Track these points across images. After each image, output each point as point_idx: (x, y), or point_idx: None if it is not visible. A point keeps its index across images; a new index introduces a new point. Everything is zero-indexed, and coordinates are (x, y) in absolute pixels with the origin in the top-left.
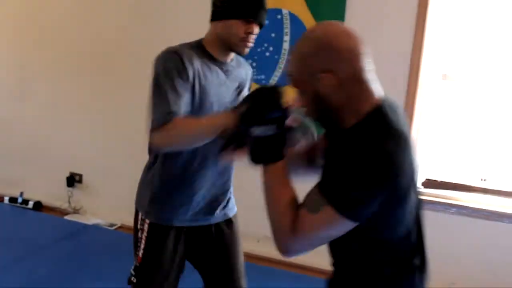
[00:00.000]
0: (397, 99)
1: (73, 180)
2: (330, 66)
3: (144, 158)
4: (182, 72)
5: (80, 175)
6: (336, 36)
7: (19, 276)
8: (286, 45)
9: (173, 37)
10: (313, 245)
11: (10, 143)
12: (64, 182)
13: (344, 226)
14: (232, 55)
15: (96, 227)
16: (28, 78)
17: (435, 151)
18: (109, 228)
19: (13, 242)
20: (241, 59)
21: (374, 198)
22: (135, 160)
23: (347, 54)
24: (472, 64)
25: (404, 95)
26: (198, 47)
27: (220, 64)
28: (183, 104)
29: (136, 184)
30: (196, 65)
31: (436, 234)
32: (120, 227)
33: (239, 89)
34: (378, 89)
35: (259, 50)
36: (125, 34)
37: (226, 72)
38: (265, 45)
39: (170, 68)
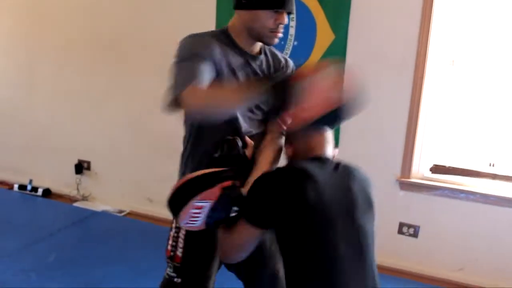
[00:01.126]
0: (404, 85)
1: (81, 167)
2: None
3: (152, 144)
4: (206, 52)
5: (88, 162)
6: None
7: (29, 261)
8: (292, 31)
9: (182, 22)
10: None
11: (19, 131)
12: (72, 169)
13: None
14: (259, 45)
15: (104, 213)
16: (36, 66)
17: (443, 137)
18: (118, 214)
19: (23, 229)
20: (273, 50)
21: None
22: (142, 147)
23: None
24: (480, 49)
25: (412, 80)
26: (223, 36)
27: (247, 55)
28: (209, 77)
29: (143, 171)
30: (219, 52)
31: (445, 219)
32: (128, 213)
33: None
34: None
35: None
36: (134, 22)
37: (253, 64)
38: None
39: (196, 46)
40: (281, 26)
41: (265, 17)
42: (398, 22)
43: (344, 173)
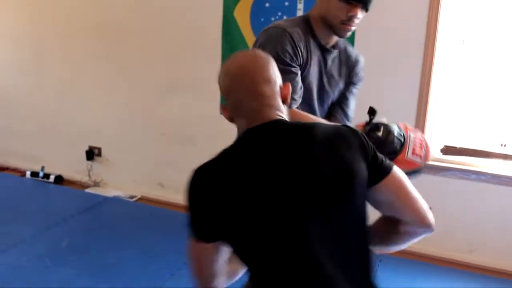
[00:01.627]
0: (414, 65)
1: (92, 153)
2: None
3: (162, 129)
4: (296, 56)
5: (99, 149)
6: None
7: (43, 247)
8: (300, 13)
9: (189, 8)
10: None
11: (30, 119)
12: (83, 155)
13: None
14: (335, 39)
15: (116, 199)
16: (46, 52)
17: (453, 117)
18: (129, 200)
19: (36, 215)
20: (346, 44)
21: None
22: (153, 132)
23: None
24: (490, 29)
25: (421, 60)
26: (305, 25)
27: (323, 48)
28: (300, 91)
29: (154, 156)
30: (303, 50)
31: (456, 200)
32: (140, 198)
33: (343, 80)
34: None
35: (272, 19)
36: (141, 8)
37: (327, 60)
38: (279, 13)
39: (286, 50)
40: (354, 20)
41: (338, 8)
42: (407, 2)
43: (292, 141)
